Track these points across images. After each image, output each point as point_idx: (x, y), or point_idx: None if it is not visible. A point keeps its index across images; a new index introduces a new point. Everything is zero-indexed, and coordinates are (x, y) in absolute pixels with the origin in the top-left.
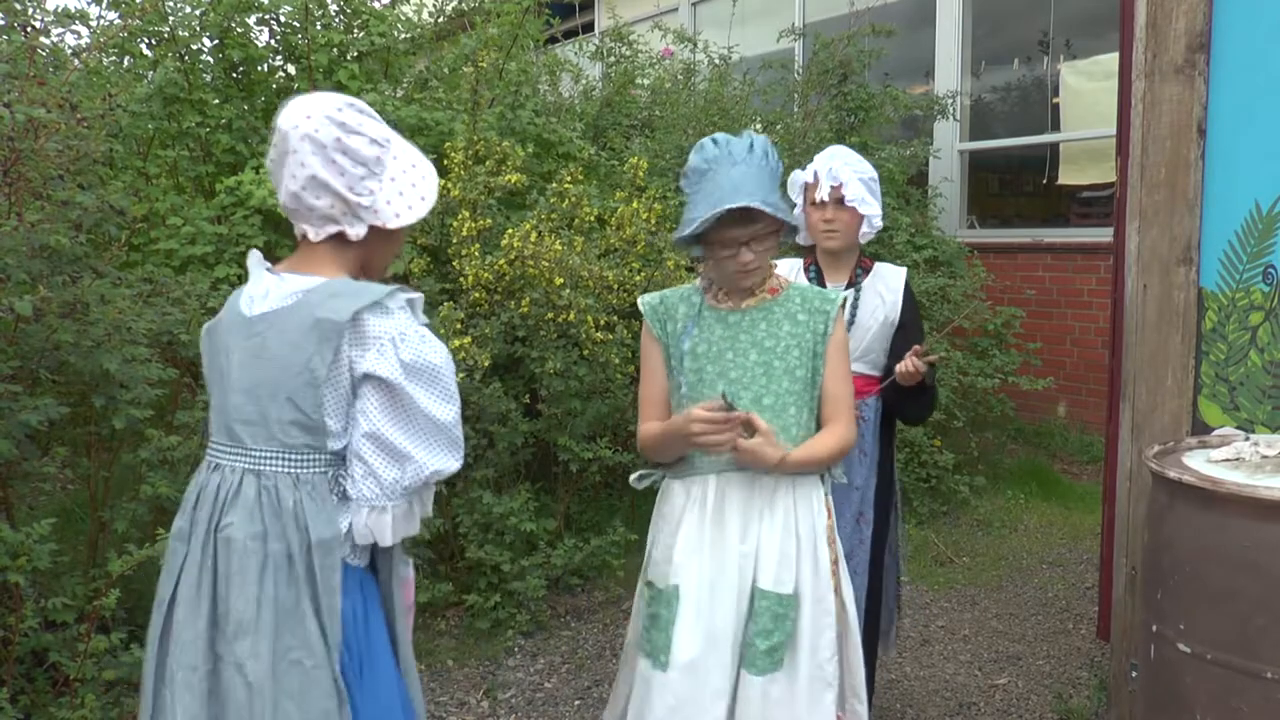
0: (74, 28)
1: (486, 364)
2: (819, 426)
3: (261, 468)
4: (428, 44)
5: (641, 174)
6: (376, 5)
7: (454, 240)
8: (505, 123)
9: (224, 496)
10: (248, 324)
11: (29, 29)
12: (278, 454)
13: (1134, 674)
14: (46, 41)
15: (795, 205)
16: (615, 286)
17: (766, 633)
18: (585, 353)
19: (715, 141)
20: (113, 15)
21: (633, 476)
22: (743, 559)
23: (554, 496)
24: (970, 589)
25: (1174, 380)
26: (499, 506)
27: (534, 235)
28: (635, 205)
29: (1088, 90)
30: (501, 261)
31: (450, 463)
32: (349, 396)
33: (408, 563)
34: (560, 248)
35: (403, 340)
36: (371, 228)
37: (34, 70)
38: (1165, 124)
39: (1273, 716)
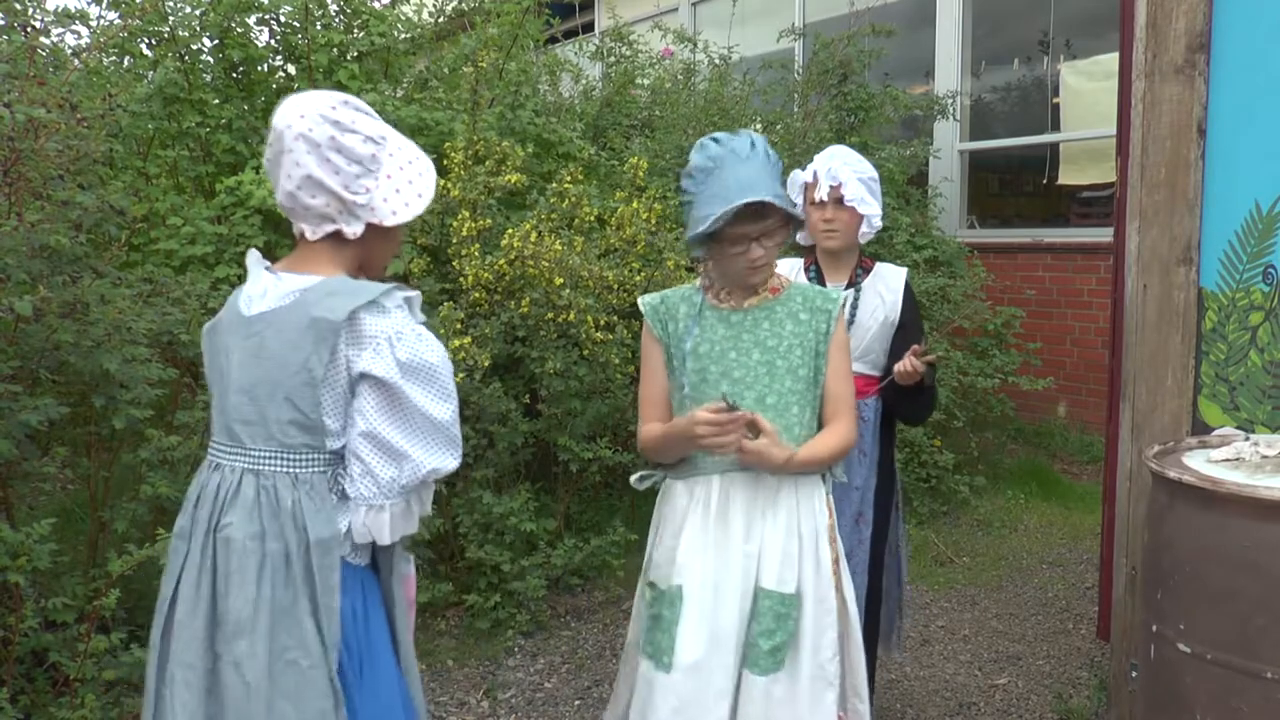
0: (74, 28)
1: (486, 364)
2: (820, 426)
3: (261, 467)
4: (428, 44)
5: (641, 174)
6: (376, 5)
7: (454, 240)
8: (505, 123)
9: (223, 496)
10: (246, 324)
11: (29, 29)
12: (276, 454)
13: (1134, 674)
14: (46, 41)
15: (795, 205)
16: (615, 286)
17: (769, 633)
18: (585, 353)
19: (717, 140)
20: (113, 15)
21: (634, 477)
22: (747, 559)
23: (554, 496)
24: (970, 589)
25: (1174, 380)
26: (499, 506)
27: (534, 235)
28: (635, 205)
29: (1088, 90)
30: (501, 261)
31: (448, 461)
32: (347, 396)
33: (409, 560)
34: (560, 248)
35: (399, 339)
36: (369, 226)
37: (34, 70)
38: (1165, 124)
39: (1273, 716)
